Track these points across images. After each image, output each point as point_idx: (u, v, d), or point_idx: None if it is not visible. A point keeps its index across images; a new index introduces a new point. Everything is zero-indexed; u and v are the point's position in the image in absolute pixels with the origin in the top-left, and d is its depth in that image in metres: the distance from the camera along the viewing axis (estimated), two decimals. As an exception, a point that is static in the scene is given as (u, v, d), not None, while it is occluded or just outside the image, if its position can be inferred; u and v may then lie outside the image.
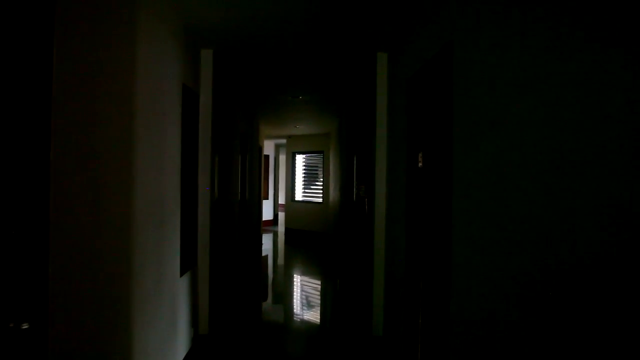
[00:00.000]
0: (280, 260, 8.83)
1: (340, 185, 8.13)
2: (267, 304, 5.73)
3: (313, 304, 5.65)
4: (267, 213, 14.03)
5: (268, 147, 14.12)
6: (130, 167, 2.23)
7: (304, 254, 9.23)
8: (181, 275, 3.30)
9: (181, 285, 3.33)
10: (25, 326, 1.23)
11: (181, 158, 3.28)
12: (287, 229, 12.40)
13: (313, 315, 5.15)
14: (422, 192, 2.92)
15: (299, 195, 12.34)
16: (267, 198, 14.03)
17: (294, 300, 5.88)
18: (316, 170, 12.00)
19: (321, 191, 11.69)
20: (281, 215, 17.12)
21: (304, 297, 6.02)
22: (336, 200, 9.23)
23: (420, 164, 3.08)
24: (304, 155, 12.27)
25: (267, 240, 11.04)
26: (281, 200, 19.29)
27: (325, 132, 11.01)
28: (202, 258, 3.84)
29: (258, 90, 6.01)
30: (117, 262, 2.07)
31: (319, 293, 6.23)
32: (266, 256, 9.02)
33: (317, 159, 11.95)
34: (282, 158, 18.78)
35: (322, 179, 11.70)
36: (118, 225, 2.07)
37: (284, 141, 13.34)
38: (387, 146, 3.89)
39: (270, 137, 12.75)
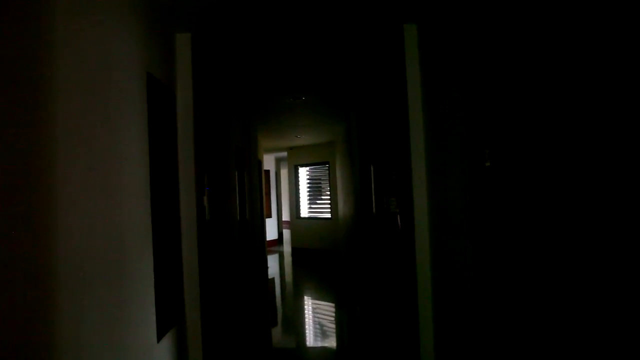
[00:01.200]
0: (289, 286, 7.86)
1: (353, 199, 7.21)
2: (278, 340, 4.77)
3: (331, 339, 4.68)
4: (271, 232, 13.07)
5: (268, 162, 13.23)
6: (44, 192, 1.32)
7: (313, 275, 8.27)
8: (159, 339, 2.36)
9: (161, 355, 2.38)
10: None
11: (152, 173, 2.37)
12: (293, 249, 11.43)
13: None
14: (494, 197, 2.02)
15: (304, 212, 11.40)
16: (270, 216, 13.09)
17: (310, 337, 4.92)
18: (322, 183, 11.09)
19: (329, 206, 10.75)
20: (286, 233, 16.16)
21: (320, 330, 5.06)
22: (347, 215, 8.29)
23: (487, 163, 2.18)
24: (307, 168, 11.37)
25: (273, 262, 10.08)
26: (285, 217, 18.37)
27: (329, 140, 10.13)
28: (191, 306, 2.89)
29: (253, 89, 5.12)
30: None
31: (336, 326, 5.27)
32: (273, 280, 8.04)
33: (322, 171, 11.05)
34: (284, 173, 17.92)
35: (328, 193, 10.78)
36: (19, 294, 1.15)
37: (284, 154, 12.45)
38: (426, 148, 2.98)
39: (269, 151, 11.87)
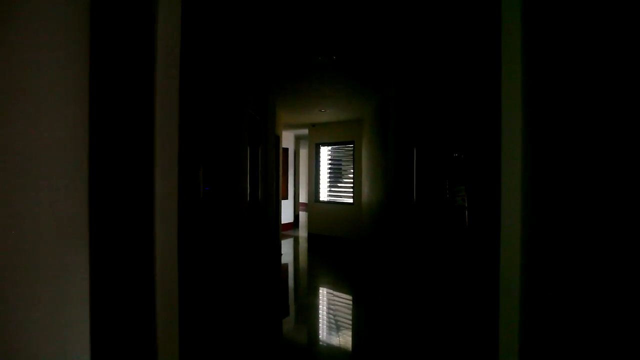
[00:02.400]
0: (304, 276, 6.98)
1: (382, 184, 6.22)
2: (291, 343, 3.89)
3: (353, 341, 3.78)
4: (286, 215, 12.21)
5: (287, 139, 12.28)
6: None
7: (332, 265, 7.37)
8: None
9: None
10: None
11: (95, 136, 1.43)
12: (310, 235, 10.54)
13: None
14: None
15: (323, 195, 10.46)
16: (286, 198, 12.21)
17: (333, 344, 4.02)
18: (345, 165, 10.10)
19: (351, 190, 9.78)
20: (302, 216, 15.30)
21: (341, 332, 4.15)
22: (373, 201, 7.32)
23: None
24: (329, 147, 10.38)
25: (287, 248, 9.22)
26: (303, 199, 17.50)
27: (356, 117, 9.09)
28: (165, 340, 1.98)
29: (274, 40, 4.12)
30: None
31: (360, 325, 4.36)
32: (286, 269, 7.20)
33: (345, 152, 10.05)
34: (304, 153, 16.97)
35: (351, 176, 9.79)
36: None
37: (305, 131, 11.47)
38: (524, 123, 1.96)
39: (289, 127, 10.89)
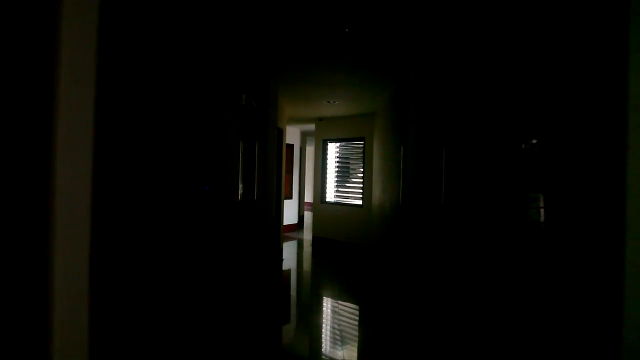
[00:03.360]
0: (305, 287, 6.20)
1: (398, 185, 5.43)
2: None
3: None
4: (290, 216, 11.44)
5: (292, 135, 11.51)
6: None
7: (340, 275, 6.59)
8: None
9: None
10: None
11: None
12: (314, 238, 9.76)
13: None
14: None
15: (330, 196, 9.67)
16: (290, 197, 11.44)
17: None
18: (354, 163, 9.31)
19: (360, 191, 8.99)
20: (308, 216, 14.53)
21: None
22: (386, 204, 6.53)
23: None
24: (337, 144, 9.59)
25: (289, 252, 8.46)
26: (308, 198, 16.73)
27: (367, 111, 8.29)
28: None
29: (277, 4, 3.35)
30: None
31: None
32: (288, 277, 6.43)
33: (354, 149, 9.26)
34: (310, 150, 16.19)
35: (361, 175, 9.00)
36: None
37: (312, 127, 10.69)
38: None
39: (294, 121, 10.12)
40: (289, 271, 7.19)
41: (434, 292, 3.62)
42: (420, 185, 4.12)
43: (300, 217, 12.94)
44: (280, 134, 7.34)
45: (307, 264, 7.85)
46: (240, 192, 4.11)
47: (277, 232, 7.49)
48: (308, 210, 15.91)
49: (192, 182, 2.58)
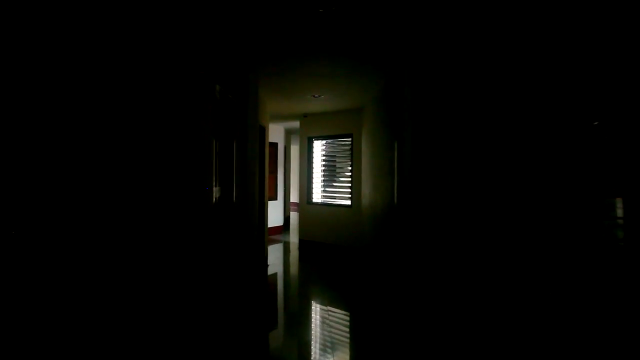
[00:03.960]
0: (292, 296, 5.72)
1: (390, 184, 5.00)
2: None
3: None
4: (275, 218, 10.94)
5: (276, 133, 11.01)
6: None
7: (329, 280, 6.14)
8: None
9: None
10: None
11: None
12: (301, 242, 9.29)
13: None
14: None
15: (317, 196, 9.21)
16: (274, 198, 10.94)
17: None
18: (341, 161, 8.86)
19: (349, 190, 8.54)
20: (294, 217, 14.05)
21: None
22: (378, 204, 6.10)
23: None
24: (324, 142, 9.13)
25: (274, 257, 7.96)
26: (294, 199, 16.23)
27: (355, 106, 7.85)
28: None
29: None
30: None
31: None
32: (272, 284, 5.92)
33: (342, 146, 8.81)
34: (295, 149, 15.70)
35: (349, 174, 8.56)
36: None
37: (296, 124, 10.22)
38: None
39: (278, 118, 9.63)
40: (274, 277, 6.69)
41: (434, 300, 3.20)
42: (421, 185, 3.69)
43: (286, 218, 12.45)
44: (263, 131, 6.85)
45: (294, 269, 7.37)
46: (216, 194, 3.63)
47: (262, 236, 7.00)
48: (294, 210, 15.42)
49: (149, 183, 2.10)
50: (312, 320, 4.72)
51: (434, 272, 3.31)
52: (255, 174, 5.66)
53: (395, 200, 4.70)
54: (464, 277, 2.78)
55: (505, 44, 2.33)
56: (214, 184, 3.31)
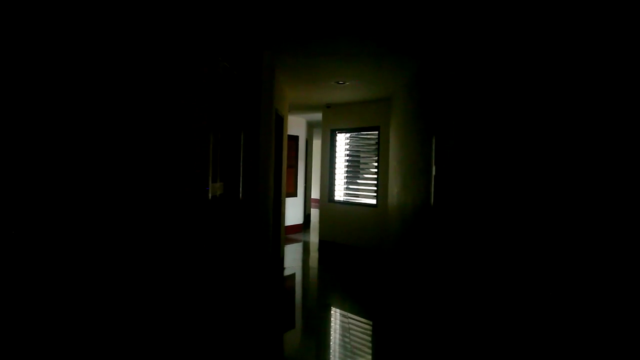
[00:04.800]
0: (310, 306, 5.06)
1: (424, 182, 4.26)
2: None
3: None
4: (294, 216, 10.31)
5: (296, 125, 10.36)
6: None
7: (352, 288, 5.45)
8: None
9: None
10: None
11: None
12: (321, 242, 8.61)
13: None
14: None
15: (339, 194, 8.51)
16: (294, 195, 10.31)
17: None
18: (366, 156, 8.13)
19: (374, 188, 7.81)
20: (315, 214, 13.41)
21: None
22: (408, 204, 5.37)
23: None
24: (348, 135, 8.41)
25: (292, 258, 7.32)
26: (315, 195, 15.61)
27: (382, 95, 7.11)
28: None
29: None
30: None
31: None
32: (289, 291, 5.27)
33: (367, 140, 8.08)
34: (318, 143, 15.03)
35: (375, 170, 7.83)
36: None
37: (319, 116, 9.53)
38: None
39: (299, 109, 8.97)
40: (291, 282, 6.05)
41: (475, 316, 2.50)
42: (466, 185, 2.96)
43: (307, 216, 11.80)
44: (280, 121, 6.20)
45: (313, 273, 6.71)
46: (217, 190, 2.99)
47: (277, 236, 6.37)
48: (315, 207, 14.78)
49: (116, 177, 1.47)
50: (332, 339, 4.05)
51: (476, 284, 2.61)
52: (269, 169, 5.01)
53: (432, 202, 3.97)
54: (513, 291, 2.07)
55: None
56: (210, 179, 2.67)
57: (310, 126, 11.84)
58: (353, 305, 4.97)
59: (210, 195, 2.71)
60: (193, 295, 2.49)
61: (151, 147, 1.90)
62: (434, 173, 3.93)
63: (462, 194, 3.10)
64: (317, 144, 15.04)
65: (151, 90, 1.91)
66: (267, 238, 5.04)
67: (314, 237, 9.73)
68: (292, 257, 7.64)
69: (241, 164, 3.66)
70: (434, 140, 4.02)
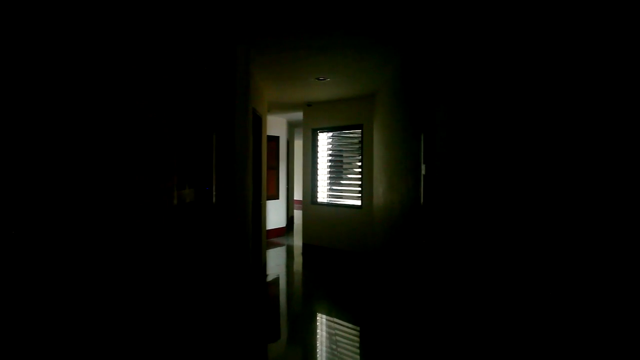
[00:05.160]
0: (298, 325, 4.76)
1: (411, 181, 4.01)
2: None
3: None
4: (276, 219, 9.99)
5: (276, 125, 10.05)
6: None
7: (342, 295, 5.18)
8: None
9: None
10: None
11: None
12: (305, 246, 8.31)
13: None
14: None
15: (322, 196, 8.23)
16: (276, 197, 9.99)
17: None
18: (349, 156, 7.87)
19: (359, 189, 7.56)
20: (298, 216, 13.11)
21: None
22: (395, 204, 5.12)
23: None
24: (330, 134, 8.14)
25: (274, 264, 7.00)
26: (298, 197, 15.31)
27: (365, 92, 6.86)
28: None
29: None
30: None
31: None
32: (271, 300, 4.95)
33: (350, 139, 7.82)
34: (299, 143, 14.74)
35: (359, 170, 7.57)
36: None
37: (299, 116, 9.23)
38: None
39: (278, 108, 8.66)
40: (275, 290, 5.74)
41: (474, 319, 2.25)
42: (460, 181, 2.71)
43: (290, 219, 11.49)
44: (258, 121, 5.89)
45: (297, 279, 6.41)
46: (189, 196, 2.67)
47: (258, 241, 6.05)
48: (299, 209, 14.47)
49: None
50: (319, 351, 3.76)
51: (472, 286, 2.37)
52: (247, 171, 4.70)
53: (422, 201, 3.72)
54: (512, 290, 1.83)
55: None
56: (175, 185, 2.35)
57: (292, 126, 11.54)
58: (341, 313, 4.70)
59: (176, 201, 2.40)
60: (162, 312, 2.18)
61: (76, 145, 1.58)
62: (423, 172, 3.68)
63: (455, 191, 2.85)
64: (299, 145, 14.74)
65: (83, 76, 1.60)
66: (247, 244, 4.73)
67: (297, 241, 9.43)
68: (275, 263, 7.32)
69: (214, 167, 3.34)
70: (422, 137, 3.77)
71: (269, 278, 6.35)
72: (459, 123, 2.78)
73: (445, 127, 3.09)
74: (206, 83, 3.29)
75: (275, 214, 9.91)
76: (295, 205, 14.74)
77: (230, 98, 3.86)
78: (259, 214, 5.99)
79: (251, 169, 5.10)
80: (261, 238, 6.19)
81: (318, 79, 5.76)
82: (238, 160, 4.03)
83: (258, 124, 5.80)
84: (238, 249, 4.13)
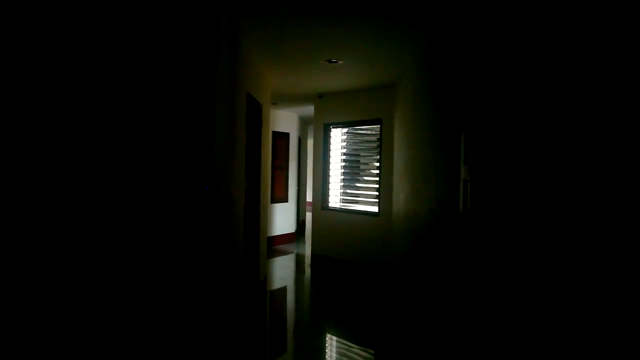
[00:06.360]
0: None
1: (443, 184, 3.03)
2: None
3: None
4: (284, 224, 9.07)
5: (287, 121, 9.14)
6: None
7: (358, 328, 4.23)
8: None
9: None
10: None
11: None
12: (314, 256, 7.33)
13: None
14: None
15: (334, 200, 7.26)
16: (284, 200, 9.06)
17: None
18: (366, 155, 6.90)
19: (376, 193, 6.57)
20: (310, 220, 12.15)
21: None
22: (420, 212, 4.14)
23: None
24: (344, 130, 7.17)
25: (279, 277, 6.07)
26: (310, 199, 14.38)
27: (384, 81, 5.87)
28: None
29: None
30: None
31: None
32: (267, 328, 4.01)
33: (367, 136, 6.85)
34: (312, 142, 13.80)
35: (377, 172, 6.59)
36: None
37: (311, 110, 8.27)
38: None
39: (287, 100, 7.74)
40: (276, 313, 4.81)
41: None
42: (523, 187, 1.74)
43: (300, 224, 10.55)
44: (258, 110, 4.98)
45: (304, 299, 5.47)
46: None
47: (255, 254, 5.12)
48: (309, 210, 13.50)
49: None
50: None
51: (530, 311, 1.42)
52: (238, 169, 3.79)
53: (461, 208, 2.74)
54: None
55: None
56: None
57: (304, 122, 10.62)
58: (359, 350, 3.74)
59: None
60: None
61: None
62: (463, 175, 2.70)
63: (519, 198, 1.89)
64: (311, 143, 13.82)
65: None
66: (234, 258, 3.83)
67: (308, 248, 8.49)
68: (279, 276, 6.40)
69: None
70: (462, 137, 2.81)
71: (268, 297, 5.43)
72: (527, 120, 1.81)
73: (503, 126, 2.12)
74: (178, 53, 2.39)
75: (283, 219, 8.99)
76: (308, 208, 13.81)
77: (210, 76, 2.95)
78: (256, 222, 5.08)
79: (244, 166, 4.19)
80: (259, 249, 5.27)
81: (329, 61, 4.81)
82: (219, 154, 3.12)
83: (257, 112, 4.89)
84: (231, 259, 3.23)
